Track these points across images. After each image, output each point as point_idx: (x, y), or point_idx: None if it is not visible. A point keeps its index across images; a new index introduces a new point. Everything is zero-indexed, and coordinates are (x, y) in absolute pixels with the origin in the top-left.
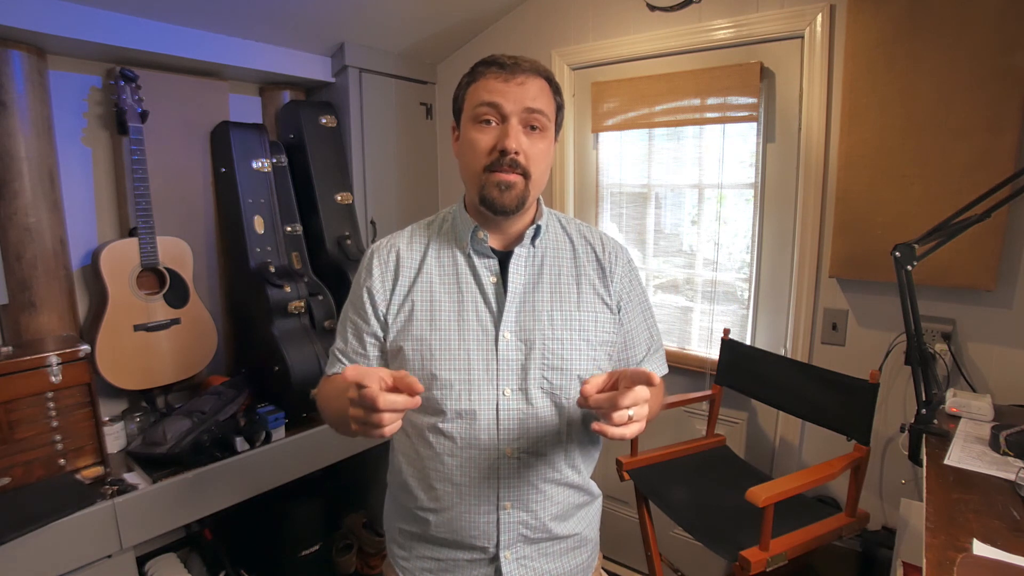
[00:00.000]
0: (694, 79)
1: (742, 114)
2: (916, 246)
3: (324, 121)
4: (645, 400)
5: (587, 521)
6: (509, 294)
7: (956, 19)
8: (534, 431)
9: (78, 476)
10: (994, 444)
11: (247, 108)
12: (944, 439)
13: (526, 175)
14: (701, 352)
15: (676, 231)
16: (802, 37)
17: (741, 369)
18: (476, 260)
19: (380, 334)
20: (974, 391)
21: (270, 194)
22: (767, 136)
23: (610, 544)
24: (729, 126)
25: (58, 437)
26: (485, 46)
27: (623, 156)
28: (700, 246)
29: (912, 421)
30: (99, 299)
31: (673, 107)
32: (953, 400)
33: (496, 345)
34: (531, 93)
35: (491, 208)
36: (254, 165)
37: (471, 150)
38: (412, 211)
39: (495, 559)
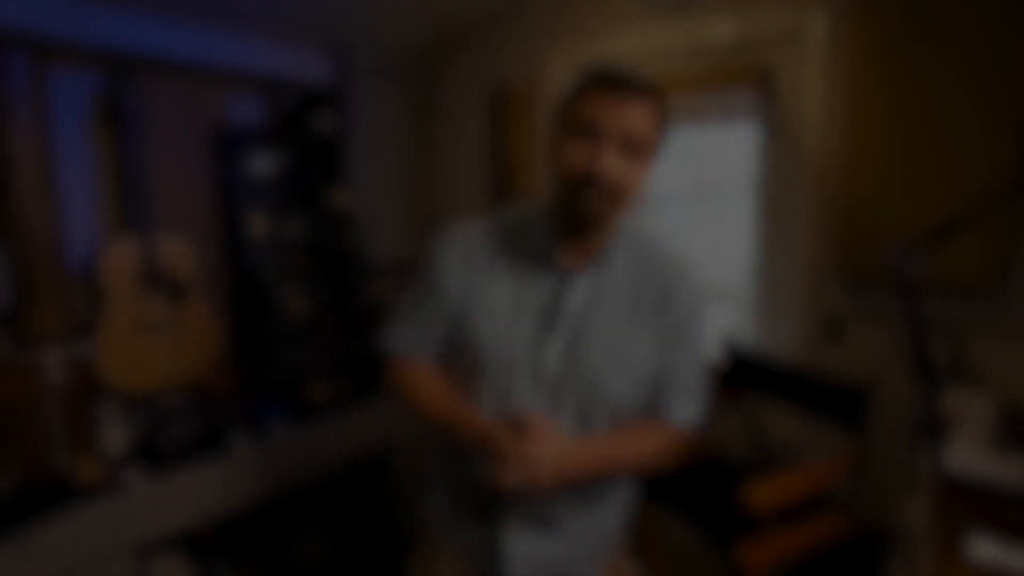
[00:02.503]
0: (695, 79)
1: (743, 114)
2: (917, 247)
3: (324, 121)
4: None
5: (603, 512)
6: (562, 315)
7: (957, 20)
8: None
9: (78, 476)
10: (995, 443)
11: (247, 108)
12: (945, 439)
13: (611, 197)
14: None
15: (676, 231)
16: (803, 37)
17: (741, 369)
18: (542, 274)
19: (445, 318)
20: (975, 391)
21: (270, 194)
22: (768, 136)
23: None
24: (729, 126)
25: (58, 437)
26: (485, 46)
27: None
28: (700, 246)
29: (912, 421)
30: (99, 299)
31: (673, 106)
32: (954, 400)
33: (534, 362)
34: (635, 117)
35: (570, 215)
36: (254, 165)
37: (564, 159)
38: (412, 211)
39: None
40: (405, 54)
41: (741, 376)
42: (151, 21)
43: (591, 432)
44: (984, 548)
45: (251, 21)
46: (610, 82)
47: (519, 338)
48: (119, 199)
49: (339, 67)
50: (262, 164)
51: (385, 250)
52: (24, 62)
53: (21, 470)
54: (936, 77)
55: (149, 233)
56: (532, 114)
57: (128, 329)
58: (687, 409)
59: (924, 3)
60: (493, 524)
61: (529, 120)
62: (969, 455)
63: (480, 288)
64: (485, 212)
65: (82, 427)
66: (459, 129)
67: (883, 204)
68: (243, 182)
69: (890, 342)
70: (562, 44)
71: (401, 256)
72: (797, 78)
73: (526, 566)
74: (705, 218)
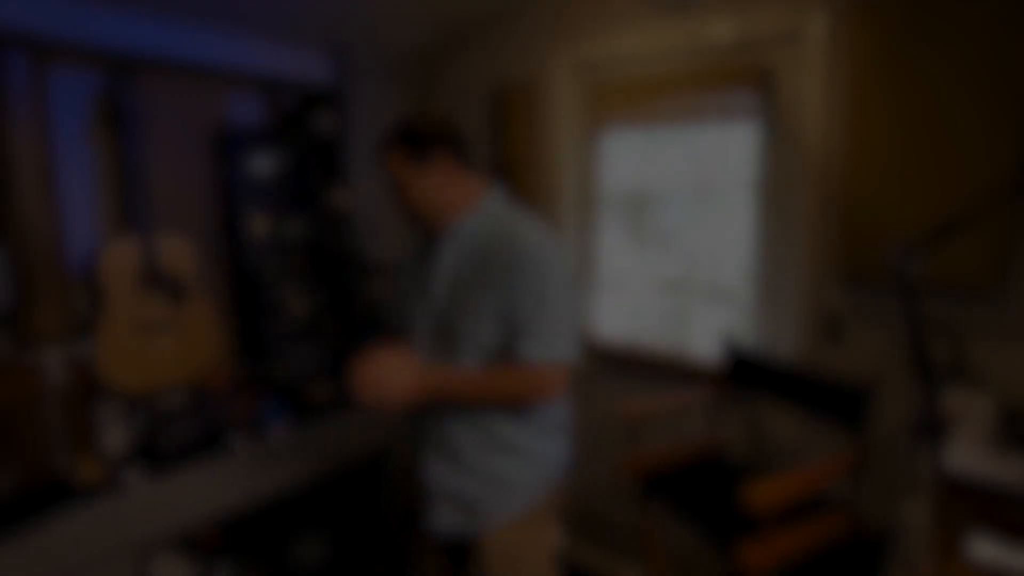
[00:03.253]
0: (694, 78)
1: (743, 114)
2: (917, 247)
3: (324, 121)
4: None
5: (512, 460)
6: (432, 276)
7: (957, 20)
8: None
9: (78, 476)
10: (995, 443)
11: (247, 108)
12: (945, 438)
13: (408, 210)
14: (701, 352)
15: (676, 231)
16: (803, 37)
17: (741, 369)
18: (421, 255)
19: None
20: (975, 391)
21: (270, 194)
22: (768, 136)
23: (611, 543)
24: (729, 126)
25: (58, 437)
26: (485, 46)
27: (623, 155)
28: (700, 246)
29: (912, 421)
30: (99, 299)
31: (673, 106)
32: (954, 400)
33: (420, 314)
34: (389, 164)
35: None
36: (254, 165)
37: None
38: None
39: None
40: (405, 54)
41: (741, 376)
42: (151, 21)
43: (459, 364)
44: (984, 548)
45: (251, 21)
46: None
47: (414, 298)
48: (119, 199)
49: (339, 67)
50: (262, 164)
51: (385, 250)
52: (24, 62)
53: (21, 470)
54: (936, 77)
55: (149, 233)
56: (532, 114)
57: (128, 329)
58: (538, 348)
59: (924, 3)
60: (420, 453)
61: (529, 120)
62: (969, 455)
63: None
64: None
65: (82, 427)
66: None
67: (883, 204)
68: (243, 182)
69: (890, 342)
70: (562, 44)
71: (401, 256)
72: (797, 78)
73: (436, 489)
74: (705, 218)
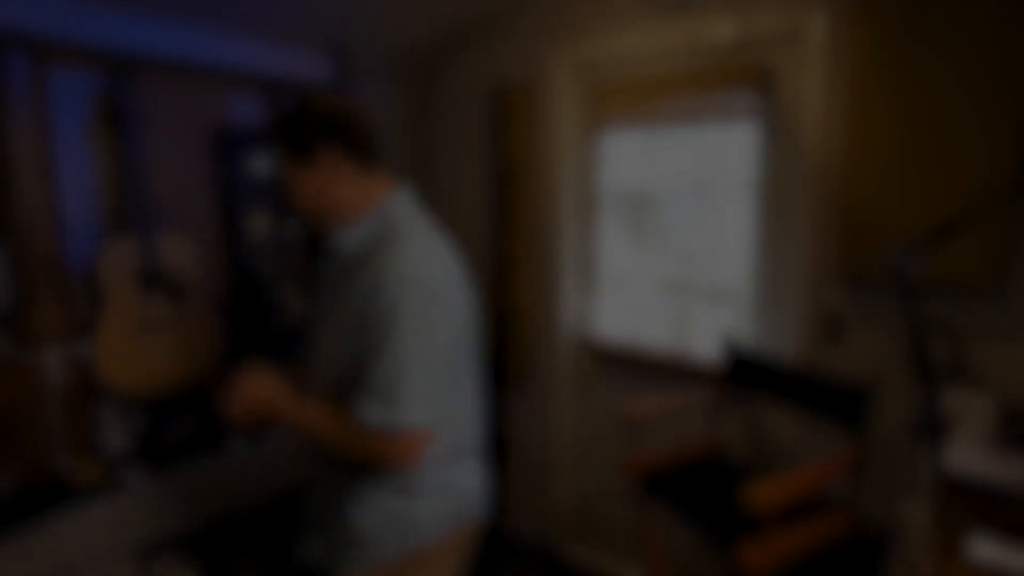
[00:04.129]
0: (694, 78)
1: (743, 114)
2: (917, 247)
3: None
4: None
5: (347, 507)
6: (321, 290)
7: (957, 19)
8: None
9: (78, 476)
10: (995, 443)
11: (247, 108)
12: (945, 438)
13: (299, 212)
14: (702, 352)
15: (676, 231)
16: (803, 37)
17: (741, 369)
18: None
19: None
20: (975, 391)
21: (270, 194)
22: (768, 136)
23: (611, 543)
24: (730, 126)
25: (58, 437)
26: (485, 46)
27: (623, 155)
28: (700, 246)
29: (912, 421)
30: (99, 299)
31: (673, 106)
32: (954, 400)
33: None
34: (276, 159)
35: None
36: (254, 165)
37: None
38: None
39: None
40: (405, 54)
41: (741, 376)
42: (151, 21)
43: (316, 385)
44: (984, 548)
45: (251, 21)
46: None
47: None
48: (119, 199)
49: (339, 67)
50: (262, 164)
51: None
52: (24, 62)
53: (21, 470)
54: (936, 77)
55: (149, 233)
56: (532, 114)
57: (128, 329)
58: (373, 411)
59: (924, 3)
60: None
61: (529, 120)
62: (969, 455)
63: None
64: (485, 212)
65: (82, 427)
66: (459, 129)
67: (883, 204)
68: (243, 182)
69: (890, 342)
70: (562, 44)
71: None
72: (797, 78)
73: (309, 521)
74: (705, 218)
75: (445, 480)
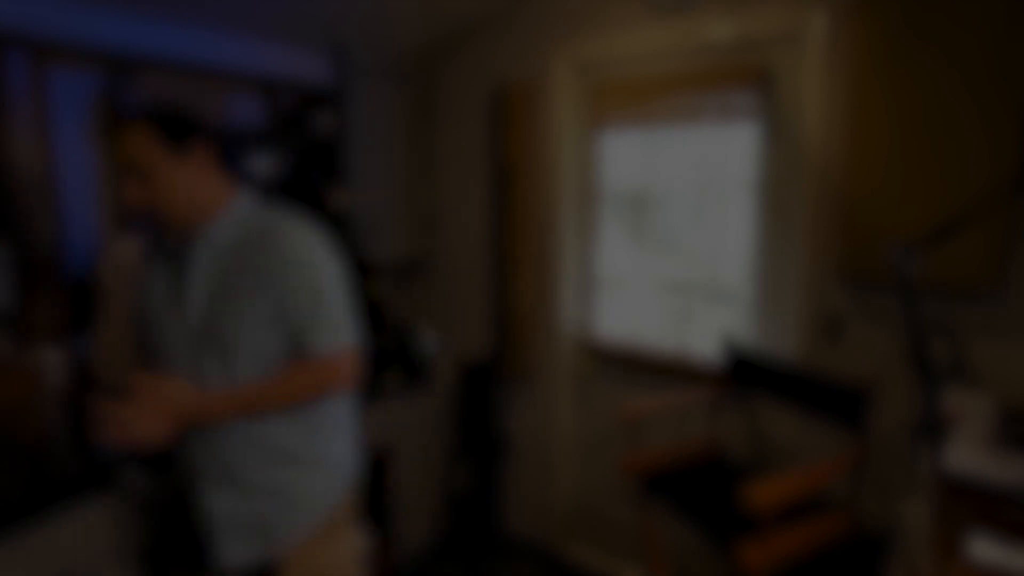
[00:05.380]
0: (694, 78)
1: (743, 114)
2: (917, 246)
3: (324, 121)
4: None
5: (299, 474)
6: (185, 284)
7: (957, 19)
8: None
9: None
10: (995, 443)
11: (247, 108)
12: (945, 439)
13: (153, 213)
14: (701, 352)
15: (676, 231)
16: (803, 37)
17: (741, 369)
18: (166, 258)
19: None
20: (975, 391)
21: (270, 194)
22: (768, 136)
23: (611, 543)
24: (729, 126)
25: (58, 438)
26: (485, 46)
27: (623, 156)
28: (700, 246)
29: (912, 421)
30: (99, 299)
31: (673, 106)
32: (954, 400)
33: (173, 326)
34: (128, 143)
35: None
36: (254, 165)
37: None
38: (412, 211)
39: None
40: (405, 54)
41: (741, 376)
42: (151, 21)
43: (237, 380)
44: (984, 548)
45: (251, 21)
46: (114, 120)
47: (164, 314)
48: (119, 199)
49: (339, 67)
50: (262, 164)
51: (385, 250)
52: (24, 62)
53: (21, 470)
54: (936, 76)
55: (149, 233)
56: (532, 114)
57: (128, 329)
58: (324, 338)
59: (924, 3)
60: (195, 489)
61: (529, 120)
62: (969, 455)
63: None
64: (485, 212)
65: (82, 427)
66: (459, 129)
67: (883, 204)
68: (242, 182)
69: (890, 342)
70: (562, 44)
71: (401, 256)
72: (797, 78)
73: (221, 521)
74: (705, 218)
75: (344, 423)
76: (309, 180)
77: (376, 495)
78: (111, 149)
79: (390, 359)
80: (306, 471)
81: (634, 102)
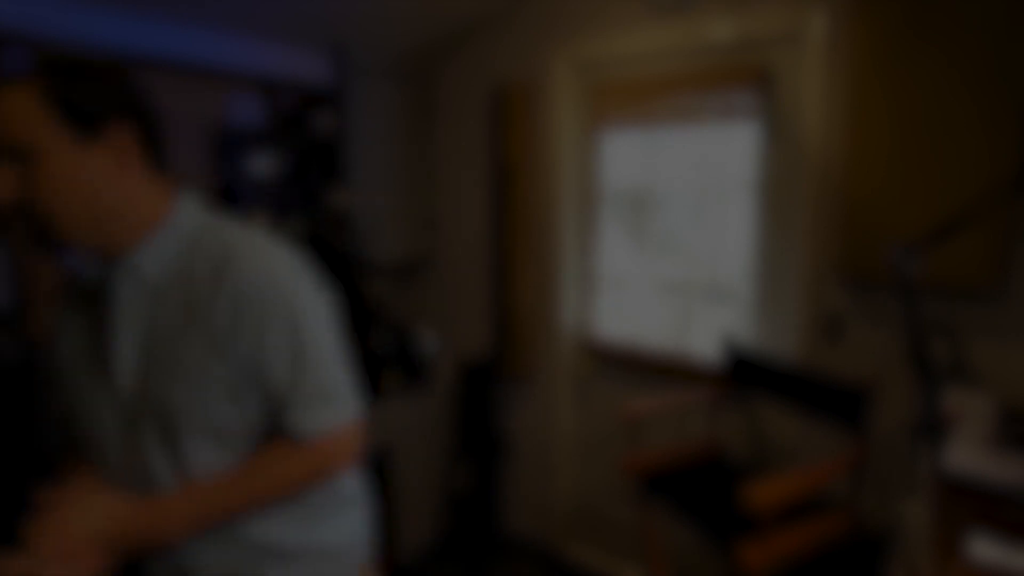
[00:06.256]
0: (694, 78)
1: (743, 114)
2: (917, 246)
3: (324, 121)
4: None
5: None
6: (107, 333)
7: (957, 19)
8: (146, 490)
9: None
10: (995, 443)
11: (247, 108)
12: (945, 439)
13: (29, 221)
14: (701, 353)
15: (676, 231)
16: (803, 37)
17: (741, 369)
18: (80, 304)
19: None
20: (975, 391)
21: (270, 194)
22: (768, 136)
23: (611, 543)
24: (730, 126)
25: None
26: (485, 46)
27: (623, 156)
28: (701, 246)
29: (912, 421)
30: None
31: (673, 106)
32: (954, 400)
33: (95, 393)
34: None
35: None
36: (254, 165)
37: None
38: (412, 211)
39: None
40: (405, 54)
41: (741, 376)
42: (151, 21)
43: (190, 467)
44: (984, 548)
45: (251, 21)
46: None
47: (83, 377)
48: None
49: (339, 67)
50: (262, 164)
51: (385, 250)
52: (24, 62)
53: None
54: (936, 76)
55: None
56: (532, 114)
57: None
58: (313, 418)
59: (924, 3)
60: None
61: (529, 120)
62: (969, 455)
63: None
64: (485, 212)
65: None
66: (459, 129)
67: (883, 204)
68: (243, 182)
69: (890, 342)
70: (562, 44)
71: (401, 256)
72: (797, 78)
73: None
74: (705, 218)
75: (350, 494)
76: (309, 180)
77: (376, 495)
78: None
79: (390, 359)
80: (308, 567)
81: (634, 102)
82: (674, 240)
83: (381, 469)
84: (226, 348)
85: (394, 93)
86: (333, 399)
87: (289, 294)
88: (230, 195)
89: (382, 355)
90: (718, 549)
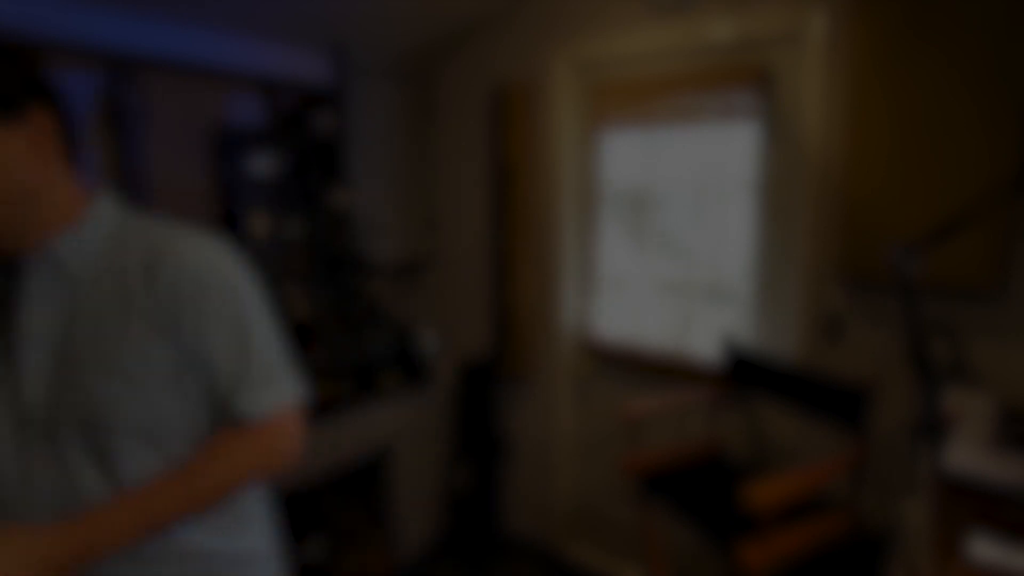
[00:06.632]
0: (694, 78)
1: (742, 114)
2: (917, 246)
3: (324, 121)
4: None
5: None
6: (22, 334)
7: (957, 19)
8: (75, 508)
9: None
10: (995, 443)
11: (247, 108)
12: (945, 439)
13: None
14: (701, 353)
15: (676, 231)
16: (803, 37)
17: (741, 369)
18: None
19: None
20: (975, 391)
21: (270, 194)
22: (768, 136)
23: (611, 543)
24: (729, 126)
25: None
26: (485, 46)
27: (623, 156)
28: (700, 246)
29: (912, 421)
30: None
31: (673, 106)
32: (954, 400)
33: (10, 402)
34: None
35: None
36: (254, 165)
37: None
38: (412, 211)
39: None
40: (405, 54)
41: (741, 376)
42: (151, 21)
43: (124, 477)
44: (984, 548)
45: (251, 21)
46: None
47: None
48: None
49: (339, 67)
50: (262, 164)
51: (385, 250)
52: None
53: None
54: (936, 76)
55: None
56: (532, 114)
57: None
58: (261, 398)
59: (924, 2)
60: None
61: (529, 120)
62: (969, 455)
63: None
64: (485, 212)
65: None
66: (459, 129)
67: (883, 204)
68: (243, 182)
69: (890, 342)
70: (562, 44)
71: (401, 256)
72: (797, 78)
73: None
74: (705, 218)
75: (262, 508)
76: (309, 180)
77: (376, 495)
78: None
79: (390, 359)
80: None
81: (634, 102)
82: (674, 240)
83: (381, 469)
84: (168, 333)
85: (394, 93)
86: (276, 380)
87: (228, 278)
88: (230, 195)
89: (382, 355)
90: (718, 549)
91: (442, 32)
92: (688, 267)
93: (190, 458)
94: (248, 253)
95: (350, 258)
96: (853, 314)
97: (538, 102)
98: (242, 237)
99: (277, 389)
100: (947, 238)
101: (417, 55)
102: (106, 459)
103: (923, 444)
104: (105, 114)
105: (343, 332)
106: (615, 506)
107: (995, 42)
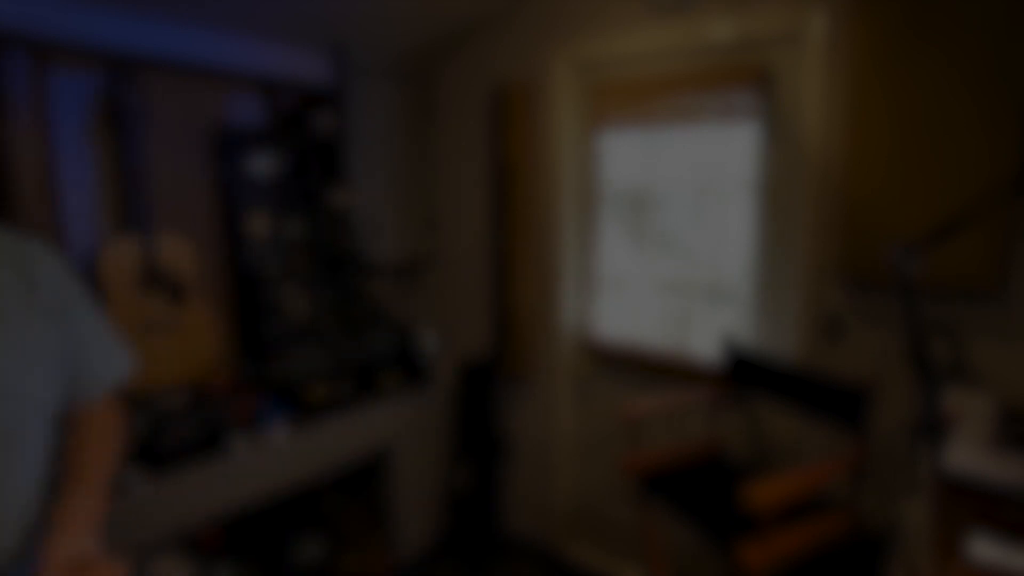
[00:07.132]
0: (694, 78)
1: (743, 114)
2: (917, 246)
3: (324, 121)
4: None
5: None
6: None
7: (957, 19)
8: None
9: None
10: (995, 443)
11: (247, 108)
12: (945, 439)
13: None
14: (701, 353)
15: (676, 231)
16: (803, 37)
17: (741, 369)
18: None
19: None
20: (975, 391)
21: (270, 194)
22: (768, 136)
23: (611, 543)
24: (729, 126)
25: None
26: (485, 46)
27: (623, 156)
28: (700, 246)
29: (912, 421)
30: (99, 299)
31: (673, 106)
32: (954, 400)
33: None
34: None
35: None
36: (254, 165)
37: None
38: (412, 211)
39: None
40: (405, 54)
41: (741, 376)
42: (151, 21)
43: (26, 453)
44: (984, 548)
45: (251, 21)
46: None
47: None
48: (119, 199)
49: (339, 67)
50: (262, 164)
51: (385, 250)
52: (24, 62)
53: None
54: (936, 76)
55: (149, 233)
56: (532, 114)
57: (128, 329)
58: (114, 366)
59: (924, 2)
60: None
61: (529, 120)
62: (969, 455)
63: None
64: (485, 212)
65: None
66: (459, 129)
67: (883, 204)
68: (243, 182)
69: (890, 342)
70: (562, 44)
71: (401, 256)
72: (797, 78)
73: None
74: (705, 218)
75: None
76: (309, 180)
77: (376, 495)
78: None
79: (390, 359)
80: None
81: (634, 102)
82: (674, 240)
83: (381, 469)
84: (46, 317)
85: (394, 93)
86: (114, 349)
87: (55, 263)
88: (230, 195)
89: (382, 355)
90: (718, 549)
91: (442, 32)
92: (688, 267)
93: (88, 436)
94: (248, 253)
95: (350, 258)
96: (853, 314)
97: (538, 102)
98: (242, 237)
99: (121, 356)
100: (947, 238)
101: (417, 55)
102: (22, 450)
103: (923, 444)
104: (105, 114)
105: (343, 332)
106: (615, 506)
107: (995, 42)
